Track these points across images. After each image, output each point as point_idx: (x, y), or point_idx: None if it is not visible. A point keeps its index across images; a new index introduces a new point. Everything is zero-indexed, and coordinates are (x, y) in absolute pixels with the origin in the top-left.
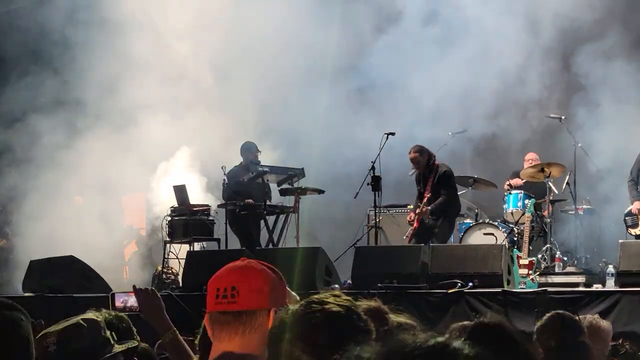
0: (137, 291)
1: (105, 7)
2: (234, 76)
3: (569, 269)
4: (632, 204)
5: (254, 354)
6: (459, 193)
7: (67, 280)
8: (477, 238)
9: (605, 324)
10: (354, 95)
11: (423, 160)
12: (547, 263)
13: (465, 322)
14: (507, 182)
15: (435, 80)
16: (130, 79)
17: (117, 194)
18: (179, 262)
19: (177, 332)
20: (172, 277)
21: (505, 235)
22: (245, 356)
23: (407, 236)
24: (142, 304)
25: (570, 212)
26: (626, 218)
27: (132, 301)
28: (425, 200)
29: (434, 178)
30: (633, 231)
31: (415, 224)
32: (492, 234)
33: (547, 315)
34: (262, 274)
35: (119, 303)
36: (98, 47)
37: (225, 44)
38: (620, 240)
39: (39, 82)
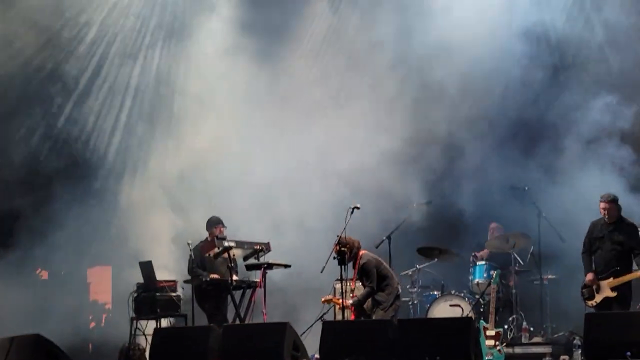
0: None
1: None
2: None
3: (536, 339)
4: (585, 276)
5: None
6: (425, 265)
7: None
8: (443, 309)
9: None
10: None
11: (347, 251)
12: (513, 334)
13: None
14: (473, 254)
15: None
16: None
17: (83, 268)
18: (146, 339)
19: None
20: (139, 353)
21: (472, 306)
22: None
23: None
24: None
25: (535, 282)
26: (583, 290)
27: None
28: (350, 291)
29: (356, 269)
30: (590, 303)
31: (352, 316)
32: (459, 305)
33: None
34: None
35: None
36: None
37: None
38: (586, 312)
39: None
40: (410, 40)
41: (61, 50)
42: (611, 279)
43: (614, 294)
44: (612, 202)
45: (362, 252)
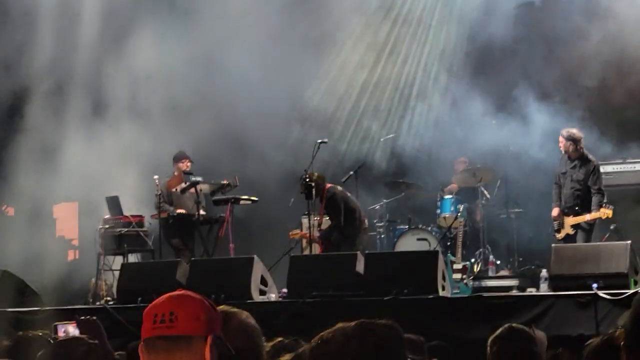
0: (79, 321)
1: None
2: None
3: (502, 272)
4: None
5: None
6: (390, 199)
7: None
8: (410, 243)
9: (540, 334)
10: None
11: (314, 185)
12: (480, 267)
13: None
14: (442, 189)
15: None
16: None
17: (49, 203)
18: (113, 274)
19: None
20: (106, 288)
21: (439, 240)
22: None
23: None
24: (84, 333)
25: (502, 216)
26: (554, 222)
27: (73, 331)
28: (316, 224)
29: (324, 203)
30: (558, 235)
31: (319, 249)
32: (426, 239)
33: (501, 328)
34: (199, 302)
35: (60, 333)
36: None
37: None
38: (552, 245)
39: None
40: None
41: None
42: (571, 217)
43: (573, 232)
44: (566, 139)
45: (328, 185)
